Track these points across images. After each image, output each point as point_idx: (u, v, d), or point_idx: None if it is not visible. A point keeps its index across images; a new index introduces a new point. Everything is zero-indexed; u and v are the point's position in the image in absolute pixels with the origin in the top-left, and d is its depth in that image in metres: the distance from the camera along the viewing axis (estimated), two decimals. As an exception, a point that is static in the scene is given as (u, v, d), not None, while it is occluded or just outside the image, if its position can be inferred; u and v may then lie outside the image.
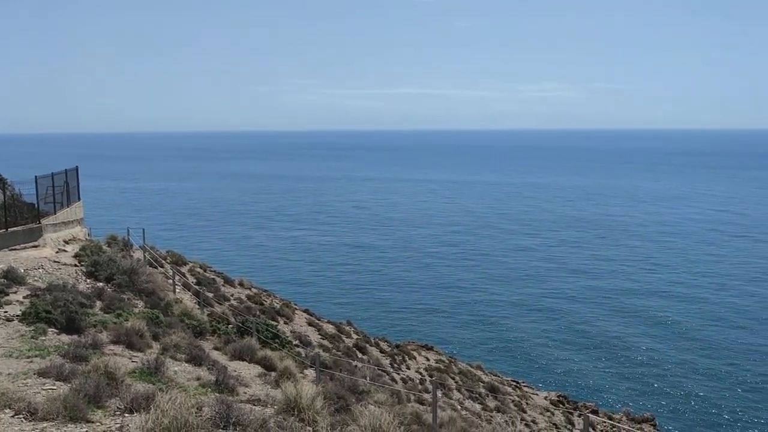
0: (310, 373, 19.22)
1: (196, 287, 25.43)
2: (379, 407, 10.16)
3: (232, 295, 28.10)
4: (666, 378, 46.56)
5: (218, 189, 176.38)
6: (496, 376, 32.20)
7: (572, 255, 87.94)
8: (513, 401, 28.35)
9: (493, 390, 28.39)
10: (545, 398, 32.10)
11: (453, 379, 28.32)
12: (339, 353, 25.19)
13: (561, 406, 30.69)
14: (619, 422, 31.51)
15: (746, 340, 53.67)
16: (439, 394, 24.57)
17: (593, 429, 29.81)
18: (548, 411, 29.57)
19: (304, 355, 21.91)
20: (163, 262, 28.28)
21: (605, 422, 30.30)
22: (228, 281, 30.61)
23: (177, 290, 24.19)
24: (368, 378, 19.58)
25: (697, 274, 76.18)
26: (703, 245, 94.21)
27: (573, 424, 28.50)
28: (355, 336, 30.25)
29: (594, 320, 59.92)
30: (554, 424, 28.06)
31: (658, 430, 33.02)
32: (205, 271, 30.88)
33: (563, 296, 67.84)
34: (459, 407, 23.76)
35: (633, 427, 31.34)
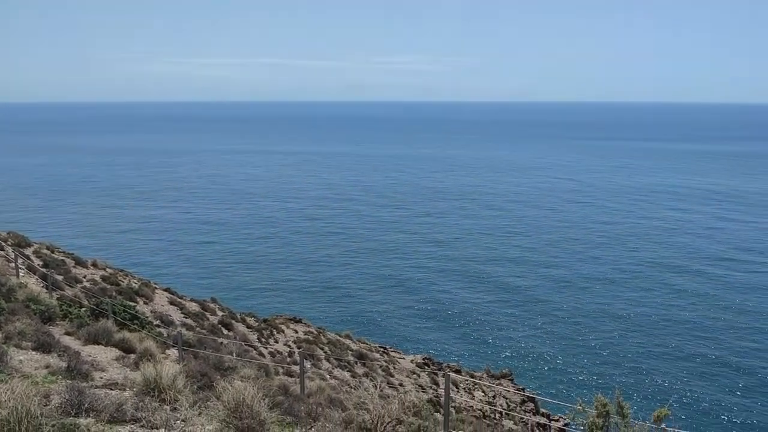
0: (173, 353, 18.53)
1: (43, 270, 23.62)
2: (244, 382, 9.98)
3: (84, 277, 26.39)
4: (520, 340, 49.71)
5: (62, 164, 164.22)
6: (364, 343, 32.79)
7: (433, 227, 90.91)
8: (381, 366, 29.02)
9: (361, 357, 28.89)
10: (412, 362, 33.15)
11: (322, 349, 28.49)
12: (204, 331, 24.49)
13: (426, 368, 31.84)
14: (480, 379, 33.29)
15: (589, 301, 58.38)
16: (307, 365, 24.61)
17: (456, 387, 31.26)
18: (414, 373, 30.59)
19: (165, 335, 21.08)
20: (3, 244, 25.97)
21: (467, 380, 31.89)
22: (79, 262, 28.68)
23: (21, 274, 22.34)
24: (234, 354, 19.21)
25: (547, 241, 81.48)
26: (554, 212, 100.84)
27: (438, 384, 29.68)
28: (220, 313, 29.52)
29: (453, 289, 62.53)
30: (420, 385, 29.09)
31: (515, 383, 35.20)
32: (52, 252, 28.73)
33: (424, 268, 70.12)
34: (328, 376, 23.97)
35: (492, 383, 33.27)
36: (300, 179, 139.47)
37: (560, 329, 51.22)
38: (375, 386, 17.93)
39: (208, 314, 28.35)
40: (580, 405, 15.76)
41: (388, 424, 7.99)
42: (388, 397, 13.81)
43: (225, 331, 26.33)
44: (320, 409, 12.74)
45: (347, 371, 26.33)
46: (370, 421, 7.99)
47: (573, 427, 22.50)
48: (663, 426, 15.44)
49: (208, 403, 8.75)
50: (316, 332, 29.96)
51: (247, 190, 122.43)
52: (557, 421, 32.73)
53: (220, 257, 73.15)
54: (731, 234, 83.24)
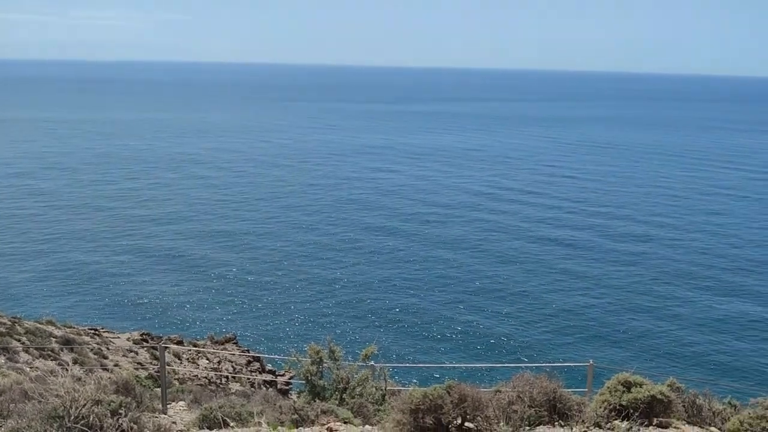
0: None
1: None
2: None
3: None
4: (243, 296, 50.00)
5: None
6: (70, 327, 30.07)
7: (143, 192, 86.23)
8: (92, 350, 26.96)
9: (68, 343, 26.48)
10: (128, 339, 31.37)
11: (19, 340, 25.45)
12: None
13: (144, 343, 30.41)
14: (204, 347, 32.82)
15: (288, 265, 60.73)
16: (1, 360, 21.84)
17: (179, 358, 30.42)
18: (132, 351, 29.02)
19: None
20: None
21: (191, 350, 31.23)
22: None
23: None
24: None
25: (275, 201, 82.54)
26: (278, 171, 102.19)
27: (158, 359, 28.55)
28: None
29: (172, 249, 60.44)
30: (139, 362, 27.71)
31: (239, 345, 35.44)
32: None
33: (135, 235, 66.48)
34: (28, 369, 21.55)
35: (217, 349, 33.08)
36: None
37: (256, 291, 52.19)
38: (67, 370, 16.57)
39: None
40: (294, 356, 16.36)
41: (83, 407, 7.39)
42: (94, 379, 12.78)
43: None
44: (13, 405, 11.40)
45: (52, 360, 23.95)
46: (62, 406, 7.32)
47: (297, 379, 23.46)
48: (371, 363, 16.80)
49: None
50: (9, 322, 26.62)
51: None
52: (283, 375, 33.81)
53: None
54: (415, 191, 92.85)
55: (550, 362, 29.38)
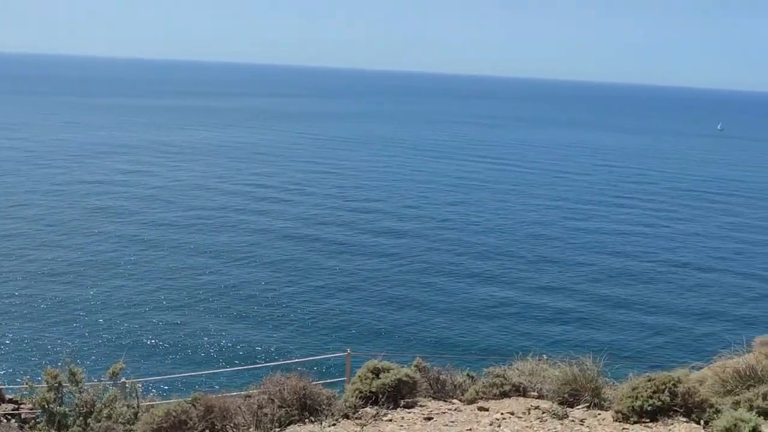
0: None
1: None
2: None
3: None
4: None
5: None
6: None
7: None
8: None
9: None
10: None
11: None
12: None
13: None
14: None
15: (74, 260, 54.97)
16: None
17: None
18: None
19: None
20: None
21: None
22: None
23: None
24: None
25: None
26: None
27: None
28: None
29: None
30: None
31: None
32: None
33: None
34: None
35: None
36: None
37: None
38: None
39: None
40: (27, 383, 14.67)
41: None
42: None
43: None
44: None
45: None
46: None
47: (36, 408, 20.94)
48: (123, 380, 15.60)
49: None
50: None
51: None
52: (24, 405, 30.18)
53: None
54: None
55: (311, 356, 29.88)
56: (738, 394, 9.72)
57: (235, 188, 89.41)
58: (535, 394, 13.46)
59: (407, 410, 11.85)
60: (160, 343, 41.00)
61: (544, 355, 16.20)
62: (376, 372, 12.29)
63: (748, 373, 10.19)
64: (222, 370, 29.57)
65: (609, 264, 62.31)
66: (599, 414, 12.02)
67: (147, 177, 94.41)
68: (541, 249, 66.02)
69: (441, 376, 14.60)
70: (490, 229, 73.41)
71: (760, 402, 9.00)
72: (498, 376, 13.72)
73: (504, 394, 13.26)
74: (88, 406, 13.71)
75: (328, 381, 18.78)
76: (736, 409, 8.75)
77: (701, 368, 15.35)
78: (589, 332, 46.22)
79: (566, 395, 12.95)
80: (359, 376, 12.37)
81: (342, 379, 17.55)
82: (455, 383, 14.60)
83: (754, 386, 9.62)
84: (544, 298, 52.17)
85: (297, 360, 20.55)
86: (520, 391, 13.55)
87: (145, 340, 41.31)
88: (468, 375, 15.13)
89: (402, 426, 10.82)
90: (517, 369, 14.56)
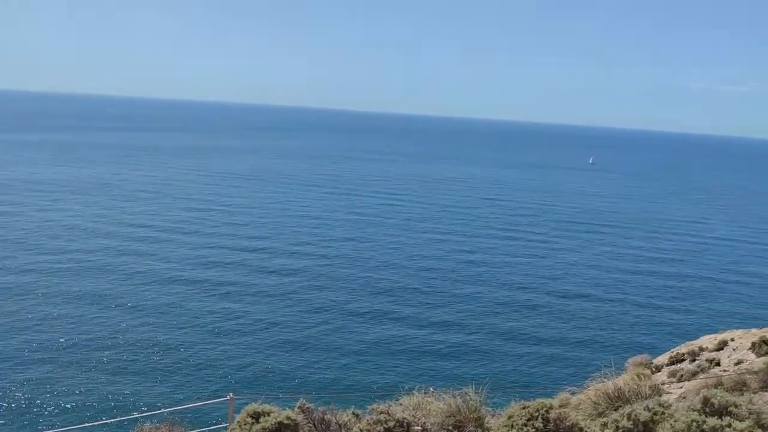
0: None
1: None
2: None
3: None
4: None
5: None
6: None
7: None
8: None
9: None
10: None
11: None
12: None
13: None
14: None
15: None
16: None
17: None
18: None
19: None
20: None
21: None
22: None
23: None
24: None
25: None
26: None
27: None
28: None
29: None
30: None
31: None
32: None
33: None
34: None
35: None
36: None
37: None
38: None
39: None
40: None
41: None
42: None
43: None
44: None
45: None
46: None
47: None
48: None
49: None
50: None
51: None
52: None
53: None
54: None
55: (192, 404, 28.52)
56: (607, 416, 10.10)
57: (115, 229, 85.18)
58: (419, 428, 13.41)
59: (288, 453, 11.43)
60: (25, 400, 37.83)
61: (431, 388, 16.27)
62: (256, 416, 11.83)
63: (616, 395, 10.61)
64: (95, 423, 27.59)
65: (496, 296, 64.18)
66: (481, 444, 12.10)
67: (14, 218, 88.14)
68: (432, 283, 67.16)
69: (326, 416, 14.27)
70: (381, 264, 73.73)
71: (625, 422, 9.40)
72: (382, 412, 13.57)
73: (388, 430, 13.12)
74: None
75: (209, 428, 17.95)
76: (603, 431, 9.06)
77: (578, 392, 15.92)
78: (478, 363, 47.22)
79: (450, 427, 12.99)
80: (238, 422, 11.85)
81: (225, 425, 16.83)
82: (340, 422, 14.29)
83: (622, 407, 10.02)
84: (435, 332, 52.76)
85: (177, 408, 19.46)
86: (404, 426, 13.45)
87: (18, 396, 38.02)
88: (353, 413, 14.88)
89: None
90: (402, 404, 14.49)
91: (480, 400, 13.83)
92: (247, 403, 13.83)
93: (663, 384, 18.71)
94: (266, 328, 51.50)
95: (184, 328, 50.56)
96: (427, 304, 60.15)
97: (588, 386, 13.62)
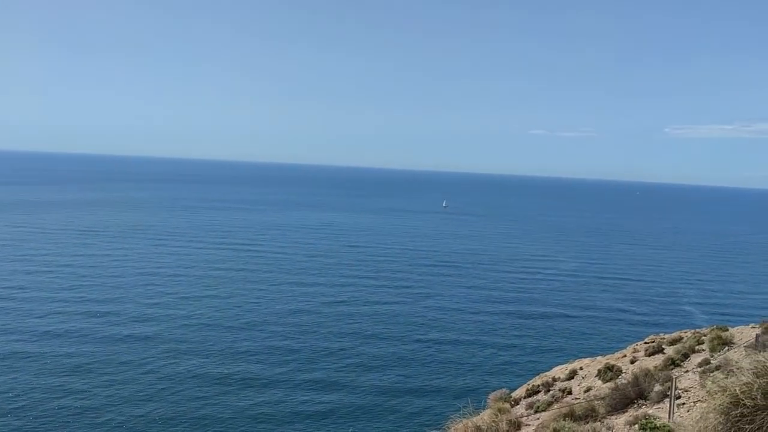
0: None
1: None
2: None
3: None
4: None
5: None
6: None
7: None
8: None
9: None
10: None
11: None
12: None
13: None
14: None
15: None
16: None
17: None
18: None
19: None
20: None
21: None
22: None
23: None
24: None
25: None
26: None
27: None
28: None
29: None
30: None
31: None
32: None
33: None
34: None
35: None
36: None
37: None
38: None
39: None
40: None
41: None
42: None
43: None
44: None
45: None
46: None
47: None
48: None
49: None
50: None
51: None
52: None
53: None
54: None
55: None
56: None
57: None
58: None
59: None
60: None
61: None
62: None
63: (475, 434, 10.52)
64: None
65: (359, 348, 61.91)
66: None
67: None
68: (294, 340, 64.51)
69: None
70: (243, 325, 69.06)
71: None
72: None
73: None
74: None
75: None
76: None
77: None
78: (348, 424, 45.64)
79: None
80: None
81: None
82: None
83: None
84: (295, 394, 50.19)
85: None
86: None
87: None
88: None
89: None
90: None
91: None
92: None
93: (521, 417, 19.07)
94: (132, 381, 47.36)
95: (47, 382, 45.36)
96: (293, 367, 56.99)
97: (449, 428, 13.51)
